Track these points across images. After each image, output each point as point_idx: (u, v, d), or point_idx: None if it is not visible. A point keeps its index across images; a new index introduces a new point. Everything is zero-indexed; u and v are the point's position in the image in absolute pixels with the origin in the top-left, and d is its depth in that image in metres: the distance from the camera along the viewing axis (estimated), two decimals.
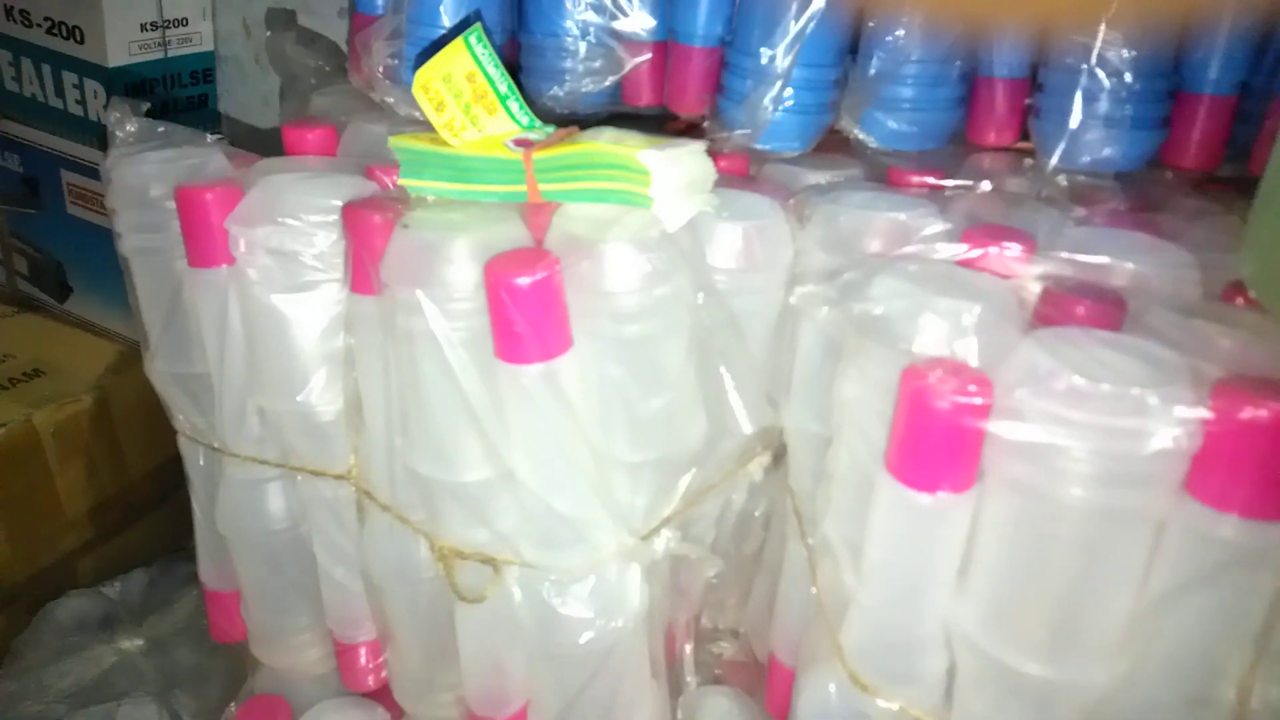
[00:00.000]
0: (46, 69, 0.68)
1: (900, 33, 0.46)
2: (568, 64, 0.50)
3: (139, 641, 0.63)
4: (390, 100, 0.50)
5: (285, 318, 0.43)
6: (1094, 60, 0.43)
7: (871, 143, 0.49)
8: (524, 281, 0.35)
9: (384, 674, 0.52)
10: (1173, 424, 0.28)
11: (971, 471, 0.31)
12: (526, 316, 0.36)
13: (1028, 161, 0.48)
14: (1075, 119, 0.44)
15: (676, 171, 0.37)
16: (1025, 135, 0.49)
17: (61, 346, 0.72)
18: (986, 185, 0.45)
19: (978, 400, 0.29)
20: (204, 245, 0.44)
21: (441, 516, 0.42)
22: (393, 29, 0.49)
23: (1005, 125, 0.49)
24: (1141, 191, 0.46)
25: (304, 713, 0.52)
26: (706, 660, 0.52)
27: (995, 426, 0.29)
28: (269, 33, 0.67)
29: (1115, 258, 0.37)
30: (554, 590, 0.41)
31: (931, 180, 0.46)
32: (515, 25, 0.52)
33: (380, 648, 0.51)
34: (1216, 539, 0.29)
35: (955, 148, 0.50)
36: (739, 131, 0.47)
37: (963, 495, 0.31)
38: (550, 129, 0.42)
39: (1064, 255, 0.37)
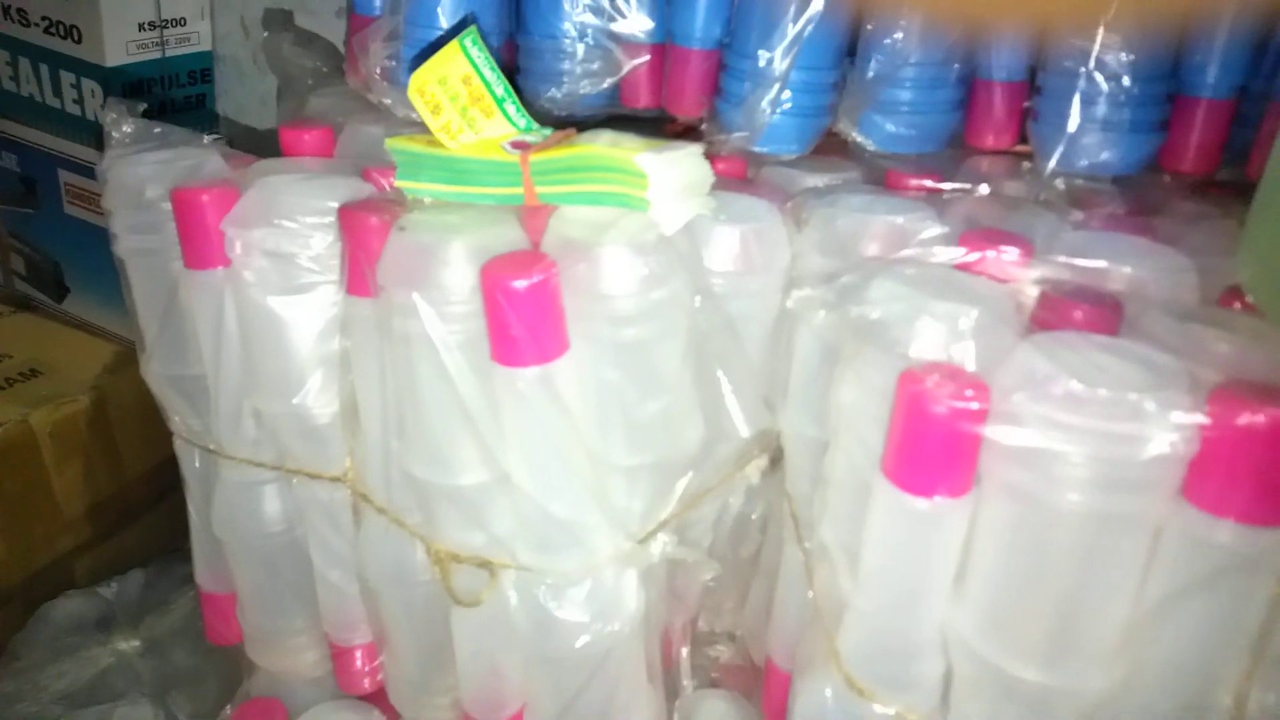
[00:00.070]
0: (44, 68, 0.68)
1: (898, 35, 0.46)
2: (565, 66, 0.50)
3: (135, 642, 0.63)
4: (387, 102, 0.50)
5: (281, 320, 0.43)
6: (1092, 64, 0.43)
7: (869, 145, 0.49)
8: (520, 284, 0.35)
9: (380, 677, 0.52)
10: (1170, 429, 0.28)
11: (968, 476, 0.31)
12: (523, 320, 0.35)
13: (1026, 165, 0.47)
14: (1073, 122, 0.44)
15: (673, 174, 0.37)
16: (1023, 138, 0.49)
17: (59, 346, 0.71)
18: (984, 188, 0.45)
19: (974, 405, 0.29)
20: (200, 247, 0.44)
21: (437, 520, 0.42)
22: (390, 30, 0.49)
23: (1003, 128, 0.49)
24: (1139, 195, 0.46)
25: (300, 715, 0.52)
26: (703, 664, 0.52)
27: (992, 431, 0.29)
28: (266, 33, 0.67)
29: (1113, 262, 0.37)
30: (550, 594, 0.41)
31: (929, 183, 0.46)
32: (513, 27, 0.52)
33: (376, 651, 0.51)
34: (1213, 544, 0.29)
35: (953, 151, 0.50)
36: (737, 134, 0.47)
37: (959, 500, 0.31)
38: (548, 131, 0.42)
39: (1061, 259, 0.37)
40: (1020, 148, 0.49)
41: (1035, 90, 0.47)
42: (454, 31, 0.46)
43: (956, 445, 0.30)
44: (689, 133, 0.49)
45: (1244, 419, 0.28)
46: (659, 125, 0.54)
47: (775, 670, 0.47)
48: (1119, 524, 0.29)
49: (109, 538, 0.70)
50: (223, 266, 0.44)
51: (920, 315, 0.32)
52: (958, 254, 0.37)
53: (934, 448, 0.30)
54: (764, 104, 0.46)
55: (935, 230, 0.39)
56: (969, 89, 0.49)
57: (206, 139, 0.50)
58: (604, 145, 0.38)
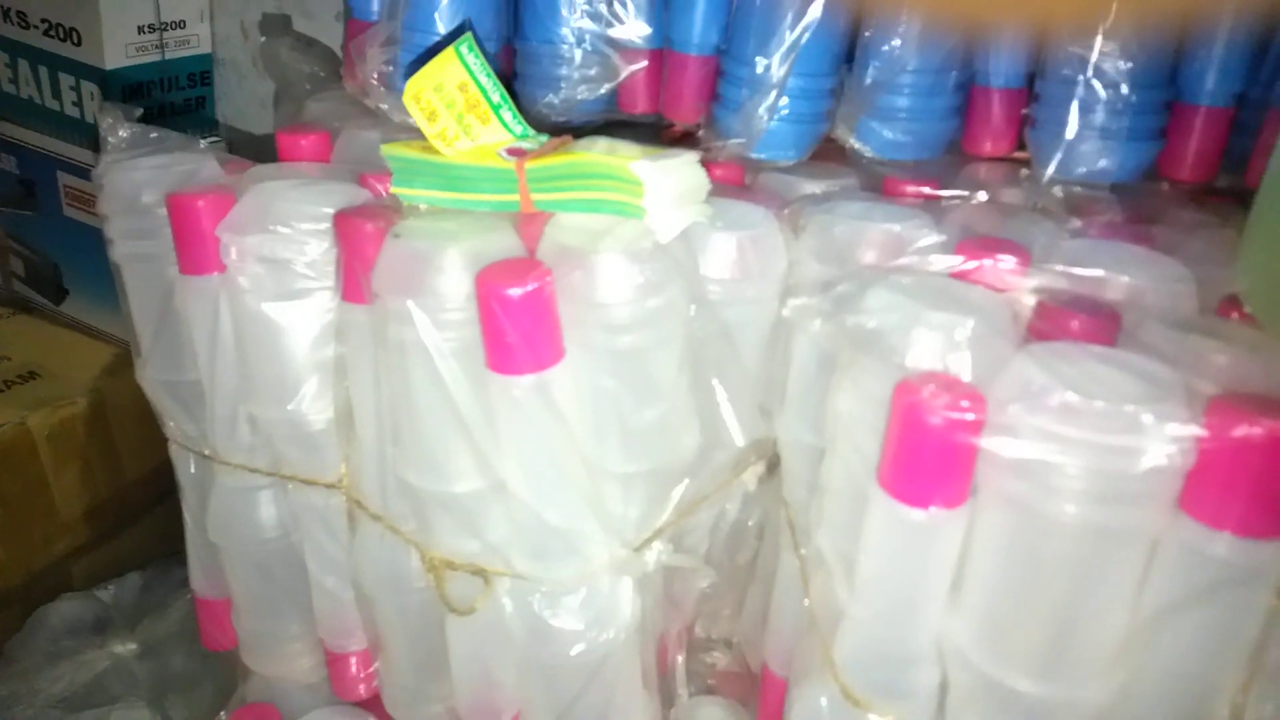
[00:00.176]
0: (43, 70, 0.68)
1: (896, 42, 0.46)
2: (563, 71, 0.50)
3: (132, 646, 0.63)
4: (384, 107, 0.50)
5: (276, 326, 0.43)
6: (1090, 71, 0.43)
7: (867, 152, 0.49)
8: (516, 292, 0.35)
9: (375, 683, 0.52)
10: (1167, 441, 0.27)
11: (964, 487, 0.30)
12: (518, 327, 0.35)
13: (1024, 172, 0.47)
14: (1071, 130, 0.44)
15: (669, 182, 0.37)
16: (1021, 146, 0.49)
17: (57, 349, 0.72)
18: (982, 196, 0.45)
19: (970, 416, 0.29)
20: (195, 252, 0.44)
21: (432, 527, 0.42)
22: (388, 35, 0.49)
23: (1001, 135, 0.49)
24: (1137, 203, 0.45)
25: None
26: (699, 671, 0.52)
27: (988, 442, 0.29)
28: (264, 38, 0.67)
29: (1110, 271, 0.37)
30: (545, 602, 0.41)
31: (927, 190, 0.46)
32: (510, 32, 0.52)
33: (371, 657, 0.51)
34: (1211, 557, 0.29)
35: (951, 158, 0.50)
36: (734, 140, 0.47)
37: (955, 511, 0.31)
38: (544, 138, 0.42)
39: (1059, 268, 0.36)
40: (1018, 155, 0.49)
41: (1033, 97, 0.47)
42: (451, 37, 0.46)
43: (952, 456, 0.30)
44: (686, 138, 0.49)
45: (1242, 431, 0.27)
46: (656, 131, 0.54)
47: (771, 677, 0.46)
48: (1115, 536, 0.29)
49: (107, 540, 0.70)
50: (218, 272, 0.44)
51: (916, 325, 0.32)
52: (955, 262, 0.37)
53: (929, 459, 0.30)
54: (761, 110, 0.46)
55: (932, 238, 0.39)
56: (967, 96, 0.49)
57: (203, 143, 0.50)
58: (600, 152, 0.38)
